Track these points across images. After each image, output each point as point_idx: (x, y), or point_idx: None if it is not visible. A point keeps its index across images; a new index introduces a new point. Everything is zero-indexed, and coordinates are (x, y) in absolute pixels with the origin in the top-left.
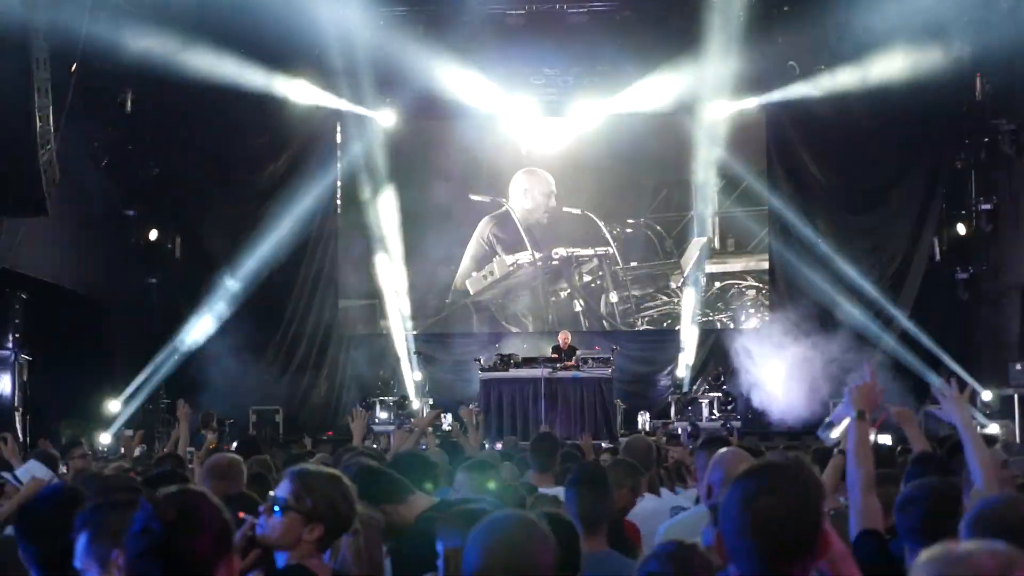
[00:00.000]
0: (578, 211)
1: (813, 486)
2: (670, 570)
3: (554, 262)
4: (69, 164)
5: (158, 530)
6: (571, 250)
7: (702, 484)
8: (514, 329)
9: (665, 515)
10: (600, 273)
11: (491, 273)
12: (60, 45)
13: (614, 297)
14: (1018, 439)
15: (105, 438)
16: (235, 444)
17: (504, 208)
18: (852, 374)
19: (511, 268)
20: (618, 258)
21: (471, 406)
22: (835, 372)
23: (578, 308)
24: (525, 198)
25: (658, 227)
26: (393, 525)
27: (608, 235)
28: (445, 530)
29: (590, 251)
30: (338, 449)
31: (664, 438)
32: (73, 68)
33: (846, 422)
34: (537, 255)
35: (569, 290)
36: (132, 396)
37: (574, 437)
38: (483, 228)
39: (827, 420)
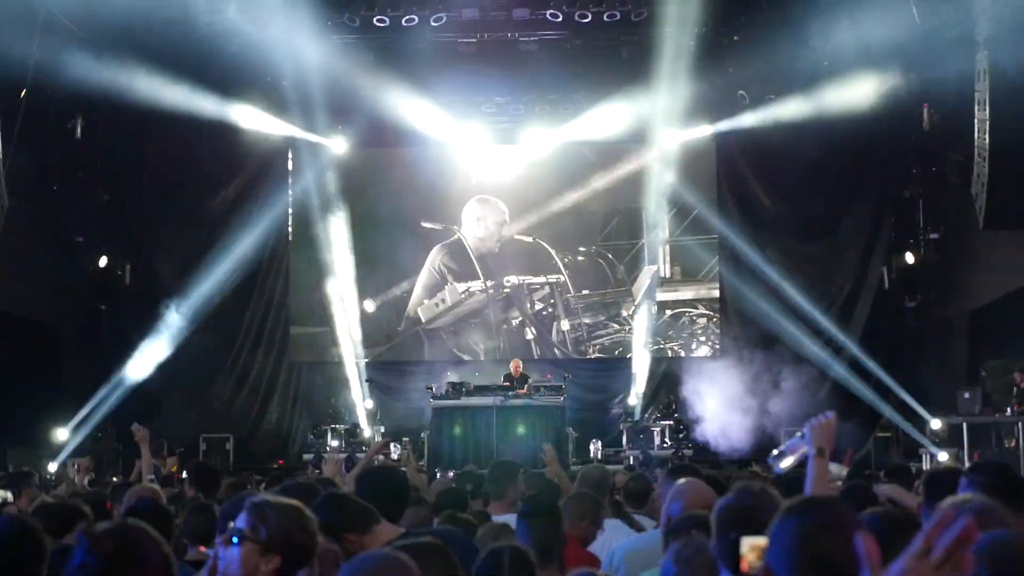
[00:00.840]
0: (530, 239)
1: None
2: None
3: (506, 290)
4: (18, 190)
5: (95, 564)
6: (522, 278)
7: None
8: (466, 357)
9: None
10: (552, 301)
11: (443, 301)
12: (9, 71)
13: (565, 325)
14: (967, 467)
15: (53, 467)
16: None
17: (456, 236)
18: (798, 397)
19: (463, 296)
20: (569, 286)
21: (404, 441)
22: (785, 400)
23: (530, 336)
24: (478, 226)
25: (609, 255)
26: (355, 556)
27: (560, 263)
28: None
29: (542, 279)
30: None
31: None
32: (23, 94)
33: (797, 454)
34: (489, 283)
35: (521, 318)
36: (81, 424)
37: (527, 466)
38: (434, 256)
39: (779, 449)
